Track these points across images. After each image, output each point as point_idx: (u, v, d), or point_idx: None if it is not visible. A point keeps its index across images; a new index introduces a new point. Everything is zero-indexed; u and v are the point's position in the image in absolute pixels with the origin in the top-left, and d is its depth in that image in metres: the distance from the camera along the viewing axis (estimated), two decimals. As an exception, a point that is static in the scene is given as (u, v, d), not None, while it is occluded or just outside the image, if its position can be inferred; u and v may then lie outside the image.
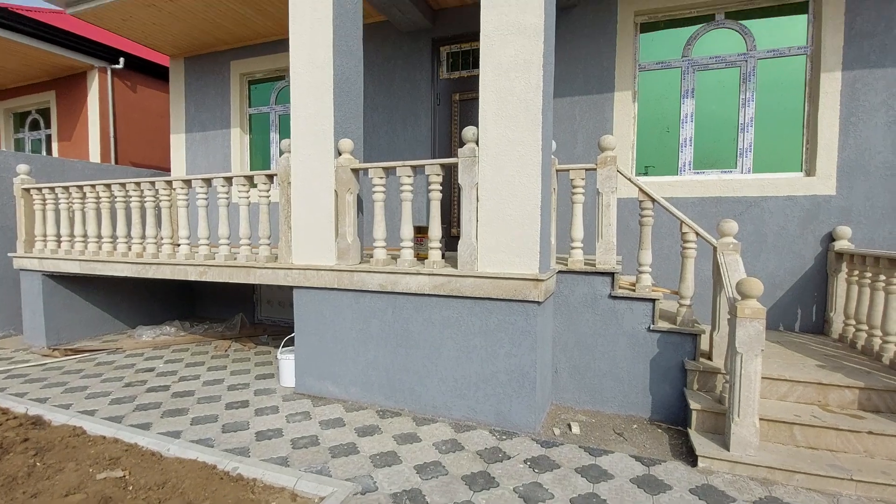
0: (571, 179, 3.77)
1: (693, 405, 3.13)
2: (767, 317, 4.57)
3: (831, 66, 4.31)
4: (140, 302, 6.43)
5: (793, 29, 4.55)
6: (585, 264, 3.80)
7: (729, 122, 4.77)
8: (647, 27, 5.02)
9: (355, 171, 3.81)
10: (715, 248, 3.42)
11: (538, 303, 3.23)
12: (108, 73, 8.54)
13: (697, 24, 4.84)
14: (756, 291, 2.71)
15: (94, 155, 8.53)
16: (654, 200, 3.57)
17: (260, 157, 7.13)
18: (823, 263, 4.37)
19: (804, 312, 4.46)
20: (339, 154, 3.82)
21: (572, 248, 3.80)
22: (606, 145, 3.64)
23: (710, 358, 3.47)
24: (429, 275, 3.50)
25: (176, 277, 4.55)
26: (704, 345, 3.66)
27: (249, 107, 7.12)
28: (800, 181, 4.43)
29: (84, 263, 5.08)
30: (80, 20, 6.22)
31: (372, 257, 3.83)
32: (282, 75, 6.82)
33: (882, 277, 3.47)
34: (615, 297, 3.64)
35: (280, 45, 6.60)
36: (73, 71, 8.62)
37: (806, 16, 4.50)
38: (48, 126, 9.31)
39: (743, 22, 4.69)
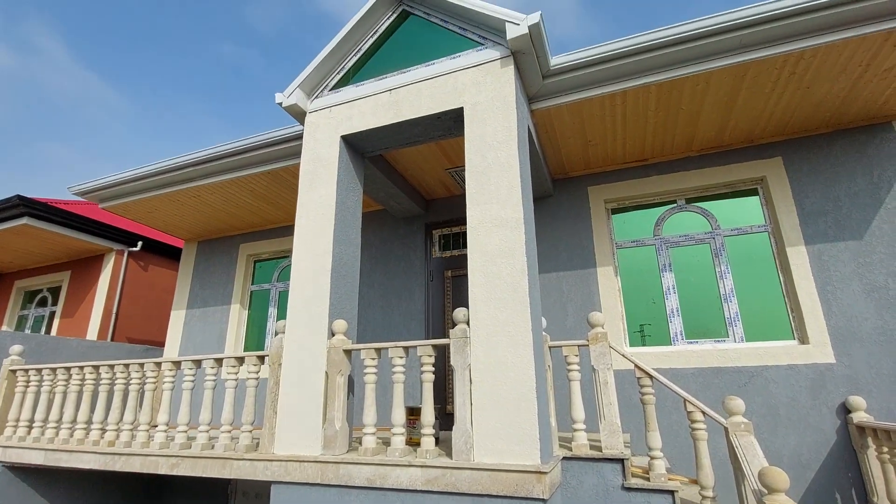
0: (565, 356, 3.74)
1: None
2: (802, 503, 4.06)
3: (794, 241, 4.67)
4: (103, 499, 5.73)
5: (751, 209, 5.06)
6: (591, 448, 3.52)
7: (711, 293, 4.96)
8: (617, 210, 5.57)
9: (347, 351, 3.78)
10: (726, 429, 3.20)
11: (543, 501, 2.88)
12: (125, 254, 9.14)
13: (663, 206, 5.39)
14: (783, 484, 2.45)
15: (93, 331, 8.58)
16: (651, 377, 3.48)
17: (256, 332, 7.17)
18: (847, 438, 4.07)
19: (844, 497, 3.98)
20: (333, 335, 3.84)
21: (574, 430, 3.56)
22: (595, 321, 3.70)
23: (749, 565, 2.96)
24: (421, 466, 3.19)
25: (145, 471, 4.14)
26: (741, 547, 3.16)
27: (252, 284, 7.43)
28: (796, 349, 4.40)
29: (49, 453, 4.67)
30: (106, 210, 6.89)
31: (360, 444, 3.55)
32: (286, 255, 7.29)
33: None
34: (630, 489, 3.27)
35: (286, 230, 7.21)
36: (91, 253, 9.23)
37: (758, 198, 5.05)
38: (55, 303, 9.57)
39: (702, 205, 5.23)
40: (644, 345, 5.06)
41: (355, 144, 4.53)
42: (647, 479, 3.27)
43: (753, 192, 5.09)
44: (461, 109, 3.93)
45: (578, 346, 3.73)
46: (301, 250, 4.19)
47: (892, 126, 4.65)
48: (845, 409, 4.11)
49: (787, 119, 4.65)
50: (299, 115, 4.68)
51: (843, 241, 4.52)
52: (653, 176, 5.34)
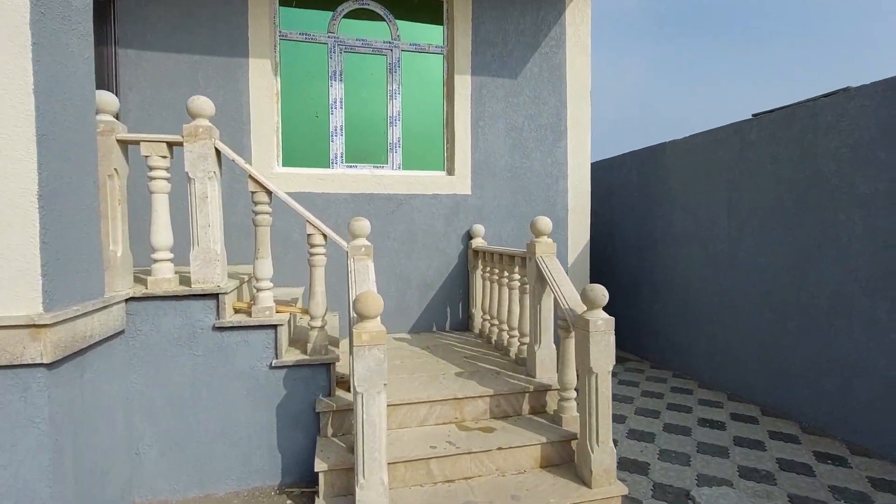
0: (146, 157, 2.47)
1: (319, 465, 2.34)
2: (422, 319, 4.40)
3: (463, 68, 4.41)
4: None
5: (432, 28, 4.50)
6: (181, 283, 2.58)
7: (379, 114, 4.39)
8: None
9: None
10: (348, 253, 2.75)
11: (46, 367, 1.80)
12: None
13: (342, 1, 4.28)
14: (374, 310, 2.08)
15: None
16: (269, 192, 2.64)
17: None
18: (465, 260, 4.47)
19: (453, 310, 4.48)
20: None
21: (155, 260, 2.51)
22: (197, 110, 2.50)
23: (349, 388, 2.80)
24: None
25: None
26: (346, 370, 2.99)
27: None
28: (443, 180, 4.40)
29: None
30: None
31: None
32: None
33: (506, 273, 3.57)
34: (223, 328, 2.55)
35: None
36: None
37: (443, 13, 4.51)
38: None
39: (386, 7, 4.37)
40: (301, 165, 4.24)
41: None
42: (250, 316, 2.61)
43: (439, 9, 4.50)
44: None
45: (170, 143, 2.51)
46: None
47: (562, -33, 4.65)
48: (469, 236, 4.45)
49: (482, -84, 3.99)
50: None
51: (501, 78, 4.52)
52: (333, -54, 4.03)
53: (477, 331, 4.28)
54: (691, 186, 4.63)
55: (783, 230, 3.72)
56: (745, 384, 4.07)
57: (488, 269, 3.93)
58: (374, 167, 4.38)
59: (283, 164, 4.22)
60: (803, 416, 3.57)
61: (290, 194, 4.01)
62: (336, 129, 4.29)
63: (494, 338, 3.83)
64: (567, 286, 2.72)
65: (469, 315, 4.45)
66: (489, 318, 3.94)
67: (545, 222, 2.97)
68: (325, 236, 2.73)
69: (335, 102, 4.28)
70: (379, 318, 2.17)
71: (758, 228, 3.94)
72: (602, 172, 5.98)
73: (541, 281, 2.94)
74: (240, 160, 2.64)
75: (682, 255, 4.76)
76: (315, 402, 2.65)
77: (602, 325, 2.33)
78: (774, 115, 3.76)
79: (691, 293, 4.65)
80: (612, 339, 2.37)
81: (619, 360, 5.13)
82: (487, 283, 3.98)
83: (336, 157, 4.31)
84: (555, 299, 2.75)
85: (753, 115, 3.96)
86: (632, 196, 5.48)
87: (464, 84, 4.42)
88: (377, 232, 4.26)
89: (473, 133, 4.46)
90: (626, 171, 5.59)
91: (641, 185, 5.32)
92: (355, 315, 2.15)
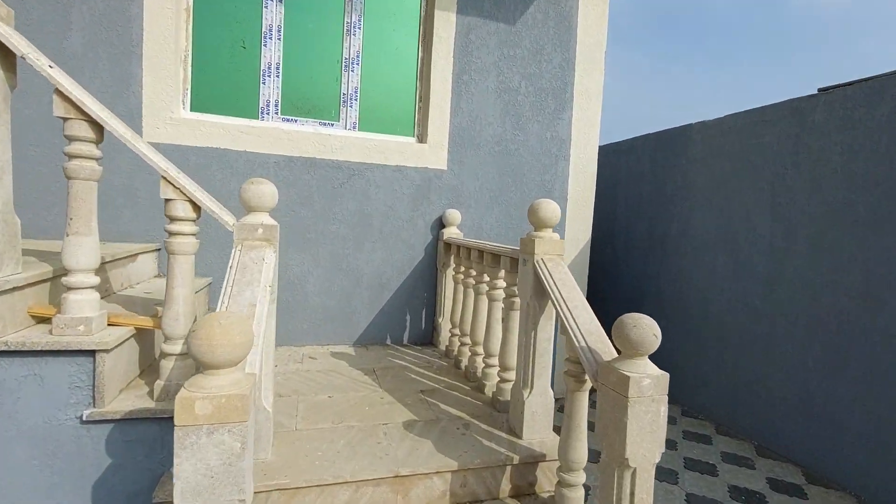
0: None
1: None
2: (374, 328, 3.36)
3: (446, 2, 3.34)
4: None
5: (409, -52, 3.42)
6: (-74, 271, 1.47)
7: (331, 53, 3.29)
8: None
9: None
10: (235, 240, 1.69)
11: None
12: None
13: None
14: (231, 353, 1.04)
15: None
16: (94, 122, 1.56)
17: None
18: (434, 255, 3.45)
19: (414, 319, 3.46)
20: None
21: None
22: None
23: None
24: None
25: None
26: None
27: None
28: (411, 148, 3.34)
29: None
30: None
31: None
32: None
33: (486, 278, 2.58)
34: (-7, 354, 1.47)
35: None
36: None
37: (422, -68, 3.43)
38: None
39: None
40: (217, 112, 3.12)
41: None
42: (53, 334, 1.52)
43: (420, -77, 3.42)
44: None
45: None
46: None
47: None
48: (440, 224, 3.43)
49: None
50: None
51: (495, 21, 3.48)
52: None
53: (443, 348, 3.28)
54: (722, 179, 3.71)
55: (852, 243, 2.83)
56: (779, 437, 3.19)
57: (463, 269, 2.93)
58: (319, 124, 3.29)
59: (192, 109, 3.08)
60: (865, 489, 2.71)
61: (197, 150, 2.90)
62: (270, 68, 3.17)
63: (465, 362, 2.84)
64: (584, 312, 1.74)
65: (434, 326, 3.44)
66: (459, 334, 2.94)
67: (551, 209, 1.97)
68: (195, 206, 1.66)
69: (270, 30, 3.16)
70: (243, 365, 1.13)
71: (813, 238, 3.04)
72: (606, 158, 5.02)
73: (540, 295, 1.96)
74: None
75: (701, 264, 3.86)
76: (161, 482, 1.60)
77: (649, 388, 1.36)
78: (854, 90, 2.85)
79: (711, 312, 3.75)
80: (665, 410, 1.39)
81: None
82: (461, 287, 2.98)
83: (268, 106, 3.19)
84: (562, 326, 1.76)
85: (820, 90, 3.04)
86: (641, 188, 4.55)
87: (446, 24, 3.36)
88: (318, 211, 3.19)
89: (455, 90, 3.42)
90: (635, 157, 4.65)
91: (655, 176, 4.39)
92: (199, 362, 1.10)
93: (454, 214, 3.32)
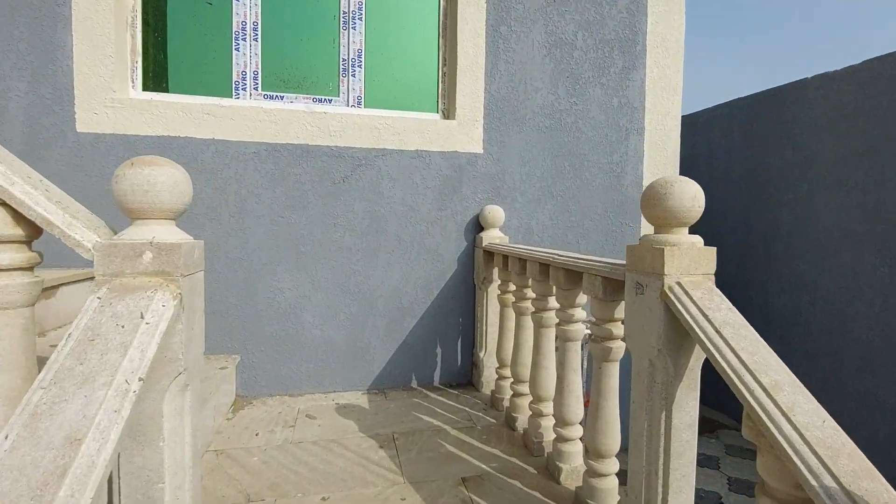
0: None
1: None
2: (393, 366, 2.55)
3: (473, -69, 2.50)
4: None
5: None
6: None
7: (325, 6, 2.50)
8: None
9: None
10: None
11: None
12: None
13: None
14: None
15: None
16: None
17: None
18: (470, 267, 2.60)
19: (446, 352, 2.62)
20: None
21: None
22: None
23: None
24: None
25: None
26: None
27: None
28: (435, 126, 2.51)
29: None
30: None
31: None
32: None
33: (550, 302, 1.73)
34: None
35: None
36: None
37: None
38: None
39: None
40: (179, 91, 2.37)
41: None
42: None
43: None
44: None
45: None
46: None
47: None
48: (477, 226, 2.58)
49: None
50: None
51: (539, -46, 2.61)
52: None
53: (487, 391, 2.43)
54: (864, 149, 2.72)
55: None
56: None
57: (514, 287, 2.07)
58: (312, 100, 2.50)
59: (145, 87, 2.34)
60: None
61: (150, 140, 2.17)
62: (244, 29, 2.41)
63: (521, 420, 1.99)
64: (796, 392, 0.85)
65: (474, 362, 2.59)
66: (511, 378, 2.08)
67: (690, 193, 1.09)
68: (22, 217, 0.86)
69: (244, -20, 2.39)
70: None
71: None
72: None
73: (676, 349, 1.08)
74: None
75: (831, 268, 2.86)
76: None
77: None
78: None
79: (852, 333, 2.76)
80: None
81: (701, 423, 3.26)
82: (510, 311, 2.13)
83: (244, 80, 2.43)
84: (746, 417, 0.88)
85: None
86: (729, 169, 3.57)
87: (475, -41, 2.52)
88: (314, 215, 2.40)
89: (490, 47, 2.57)
90: (718, 131, 3.67)
91: (749, 152, 3.41)
92: None
93: (495, 212, 2.46)
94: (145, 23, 2.32)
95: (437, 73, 2.63)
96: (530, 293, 1.91)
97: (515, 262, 2.00)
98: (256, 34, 2.41)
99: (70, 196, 1.06)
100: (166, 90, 2.36)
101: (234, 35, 2.39)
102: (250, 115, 2.30)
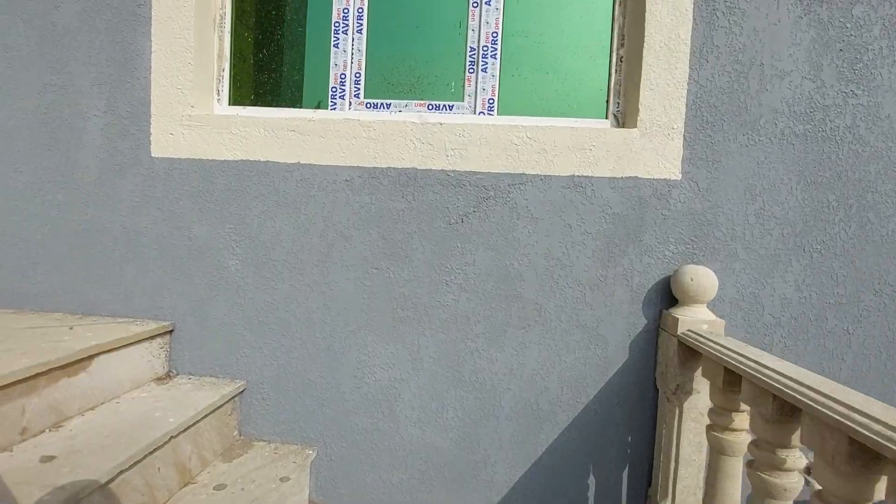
0: None
1: None
2: (521, 493, 1.72)
3: None
4: None
5: None
6: None
7: (451, -24, 1.81)
8: None
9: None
10: None
11: None
12: None
13: None
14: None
15: None
16: None
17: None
18: (651, 362, 1.65)
19: (603, 487, 1.70)
20: None
21: None
22: None
23: None
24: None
25: None
26: None
27: None
28: (602, 140, 1.63)
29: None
30: None
31: None
32: None
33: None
34: None
35: None
36: None
37: None
38: None
39: None
40: (262, 102, 1.89)
41: None
42: None
43: None
44: None
45: None
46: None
47: None
48: (667, 296, 1.62)
49: None
50: None
51: None
52: None
53: (675, 578, 1.45)
54: None
55: None
56: None
57: (735, 418, 1.09)
58: (426, 107, 1.82)
59: (233, 101, 1.90)
60: None
61: (227, 165, 1.69)
62: (346, 18, 1.83)
63: None
64: None
65: (650, 511, 1.63)
66: None
67: None
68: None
69: (348, -46, 1.82)
70: None
71: None
72: None
73: None
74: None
75: None
76: None
77: None
78: None
79: None
80: None
81: None
82: (728, 458, 1.16)
83: (342, 84, 1.84)
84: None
85: None
86: None
87: None
88: (419, 267, 1.70)
89: (700, 10, 1.61)
90: None
91: None
92: None
93: (701, 277, 1.49)
94: (235, 21, 1.88)
95: (610, 57, 1.75)
96: (773, 432, 0.94)
97: (750, 383, 1.03)
98: (361, 24, 1.82)
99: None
100: (254, 103, 1.89)
101: (332, 26, 1.82)
102: (344, 131, 1.70)
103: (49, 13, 1.80)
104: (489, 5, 1.75)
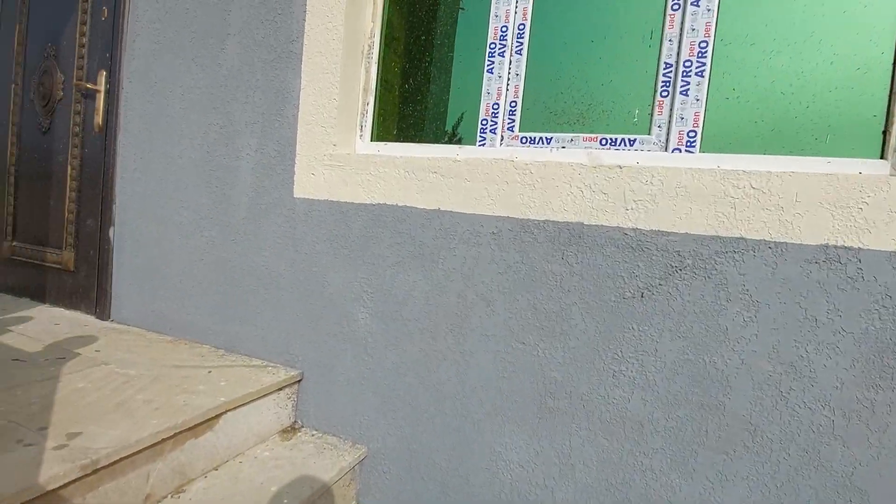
0: None
1: None
2: None
3: None
4: None
5: None
6: None
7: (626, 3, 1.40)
8: None
9: None
10: None
11: None
12: None
13: None
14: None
15: None
16: None
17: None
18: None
19: None
20: None
21: None
22: None
23: None
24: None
25: None
26: None
27: None
28: (879, 191, 1.07)
29: None
30: None
31: None
32: None
33: None
34: None
35: None
36: None
37: None
38: None
39: None
40: (409, 138, 1.70)
41: None
42: None
43: None
44: None
45: None
46: None
47: None
48: None
49: None
50: None
51: None
52: None
53: None
54: None
55: None
56: None
57: None
58: (599, 142, 1.43)
59: (376, 137, 1.75)
60: None
61: (364, 209, 1.53)
62: (504, 38, 1.54)
63: None
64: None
65: None
66: None
67: None
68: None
69: (511, -36, 1.53)
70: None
71: None
72: None
73: None
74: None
75: None
76: None
77: None
78: None
79: None
80: None
81: None
82: None
83: (494, 116, 1.56)
84: None
85: None
86: None
87: None
88: (580, 350, 1.32)
89: None
90: None
91: None
92: None
93: None
94: (384, 51, 1.73)
95: (894, 70, 1.17)
96: None
97: None
98: (521, 43, 1.52)
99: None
100: (397, 138, 1.72)
101: (487, 48, 1.55)
102: (494, 174, 1.41)
103: (216, 55, 1.85)
104: (697, 6, 1.30)
